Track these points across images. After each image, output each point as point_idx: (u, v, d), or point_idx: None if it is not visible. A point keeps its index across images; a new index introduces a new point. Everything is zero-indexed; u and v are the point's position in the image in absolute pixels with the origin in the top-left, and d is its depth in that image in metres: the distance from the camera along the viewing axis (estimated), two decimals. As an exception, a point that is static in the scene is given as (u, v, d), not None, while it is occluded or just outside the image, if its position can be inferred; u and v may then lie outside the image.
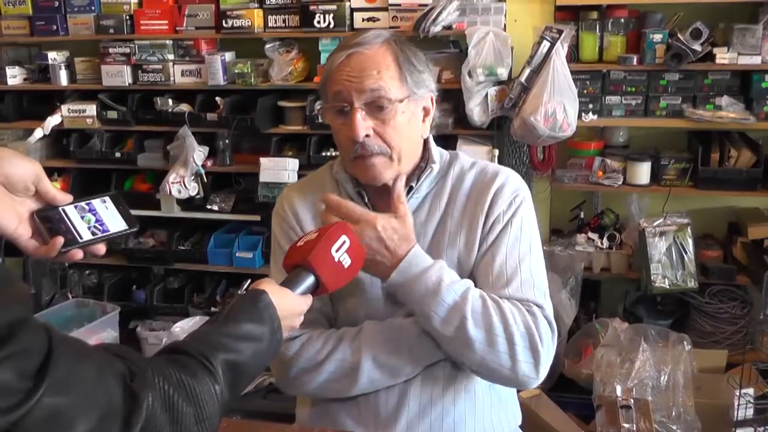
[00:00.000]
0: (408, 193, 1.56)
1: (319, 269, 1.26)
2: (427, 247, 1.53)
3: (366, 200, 1.59)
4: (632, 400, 2.67)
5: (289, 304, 1.21)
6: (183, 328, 3.29)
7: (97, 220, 1.12)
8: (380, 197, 1.57)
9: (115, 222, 1.15)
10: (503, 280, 1.49)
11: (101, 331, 3.36)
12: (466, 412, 1.54)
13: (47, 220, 1.07)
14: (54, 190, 1.07)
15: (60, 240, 1.05)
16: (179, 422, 0.92)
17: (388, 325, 1.51)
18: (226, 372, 1.02)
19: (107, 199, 1.17)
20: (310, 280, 1.26)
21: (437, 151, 1.62)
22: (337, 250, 1.28)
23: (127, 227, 1.16)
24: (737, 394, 2.65)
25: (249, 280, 1.31)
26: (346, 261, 1.30)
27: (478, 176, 1.60)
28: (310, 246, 1.27)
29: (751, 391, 2.68)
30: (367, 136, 1.48)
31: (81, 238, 1.09)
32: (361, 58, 1.48)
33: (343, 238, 1.31)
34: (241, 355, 1.05)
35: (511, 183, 1.58)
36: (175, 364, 0.97)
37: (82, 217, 1.11)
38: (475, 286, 1.47)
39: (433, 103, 1.59)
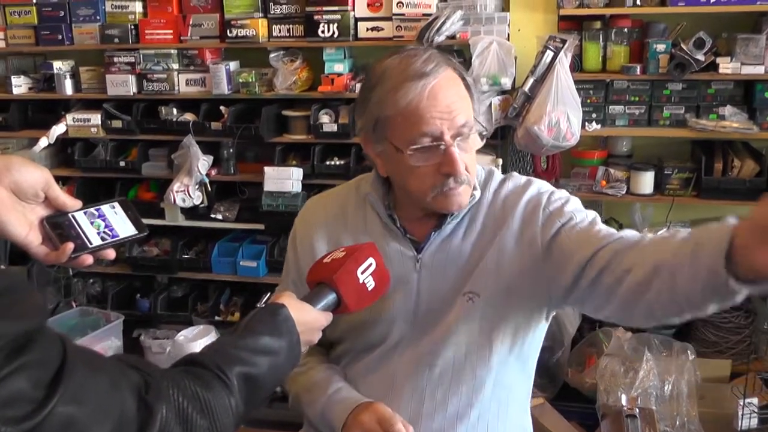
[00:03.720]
0: (450, 216, 1.52)
1: (343, 289, 1.25)
2: (461, 266, 1.50)
3: (397, 224, 1.55)
4: (637, 410, 2.67)
5: (309, 318, 1.20)
6: (187, 336, 3.30)
7: (106, 226, 1.12)
8: (412, 222, 1.55)
9: (124, 227, 1.15)
10: (588, 233, 1.43)
11: (105, 340, 3.39)
12: (478, 421, 1.53)
13: (57, 226, 1.07)
14: (63, 196, 1.08)
15: (70, 246, 1.05)
16: None
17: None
18: (242, 385, 1.02)
19: (116, 204, 1.17)
20: (332, 298, 1.25)
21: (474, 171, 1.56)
22: (363, 272, 1.28)
23: (136, 232, 1.16)
24: (741, 403, 2.66)
25: (269, 293, 1.32)
26: (371, 283, 1.29)
27: (513, 190, 1.55)
28: (336, 264, 1.27)
29: (755, 400, 2.69)
30: None
31: (91, 243, 1.09)
32: (444, 90, 1.40)
33: (370, 260, 1.30)
34: (257, 369, 1.05)
35: (544, 186, 1.56)
36: (190, 375, 0.98)
37: (92, 223, 1.11)
38: (568, 263, 1.42)
39: None
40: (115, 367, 0.90)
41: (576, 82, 3.04)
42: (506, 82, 3.10)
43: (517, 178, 1.59)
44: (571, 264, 1.41)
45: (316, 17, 3.34)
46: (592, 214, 1.50)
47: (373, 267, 1.30)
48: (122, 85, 3.64)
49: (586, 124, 3.17)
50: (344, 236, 1.58)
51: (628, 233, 1.40)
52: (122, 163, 3.75)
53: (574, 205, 1.51)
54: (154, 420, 0.88)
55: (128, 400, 0.87)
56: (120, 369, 0.90)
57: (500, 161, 3.17)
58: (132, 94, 3.66)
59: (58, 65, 3.74)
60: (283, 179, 3.45)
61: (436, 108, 1.38)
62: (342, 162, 3.45)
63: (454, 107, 1.40)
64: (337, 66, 3.41)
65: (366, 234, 1.56)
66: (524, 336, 1.54)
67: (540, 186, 1.56)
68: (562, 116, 2.96)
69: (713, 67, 3.04)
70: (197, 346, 2.57)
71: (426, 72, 1.39)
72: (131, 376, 0.90)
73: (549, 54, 3.02)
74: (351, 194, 1.63)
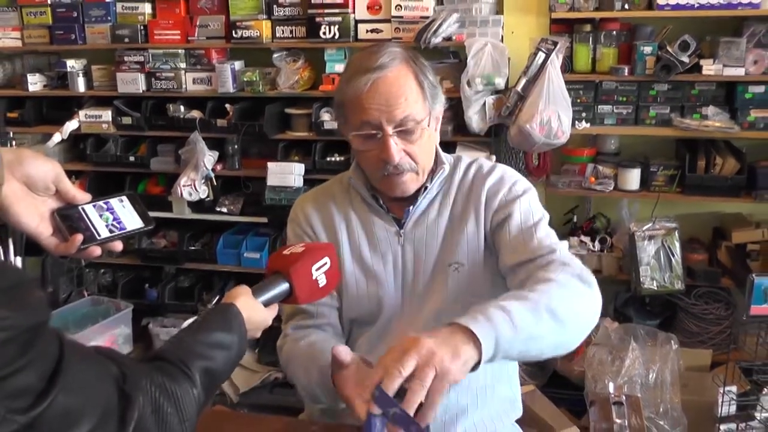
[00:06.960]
0: (423, 191, 1.63)
1: (297, 281, 1.30)
2: (441, 239, 1.61)
3: (380, 203, 1.65)
4: (624, 397, 2.71)
5: (257, 318, 1.24)
6: (192, 325, 3.37)
7: (114, 219, 1.14)
8: (391, 201, 1.65)
9: (131, 220, 1.17)
10: (522, 240, 1.53)
11: (115, 328, 3.44)
12: (468, 404, 1.59)
13: (67, 218, 1.08)
14: (74, 189, 1.09)
15: (79, 237, 1.07)
16: (165, 422, 0.96)
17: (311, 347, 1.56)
18: (203, 377, 1.05)
19: (124, 198, 1.18)
20: (284, 287, 1.30)
21: (443, 154, 1.69)
22: (317, 269, 1.33)
23: (143, 225, 1.18)
24: (721, 391, 2.69)
25: (218, 297, 1.36)
26: (322, 280, 1.34)
27: (478, 170, 1.67)
28: (294, 258, 1.32)
29: (734, 388, 2.72)
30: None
31: (99, 235, 1.11)
32: (386, 85, 1.49)
33: (326, 259, 1.35)
34: (214, 362, 1.09)
35: (508, 173, 1.66)
36: (158, 369, 1.01)
37: (101, 216, 1.13)
38: (499, 259, 1.55)
39: (441, 113, 1.65)
40: (99, 359, 0.93)
41: (567, 82, 3.09)
42: (500, 82, 3.16)
43: (485, 163, 1.70)
44: (501, 262, 1.54)
45: (317, 19, 3.38)
46: (537, 216, 1.59)
47: (327, 266, 1.35)
48: (132, 83, 3.68)
49: (576, 122, 3.22)
50: (336, 218, 1.68)
51: (555, 257, 1.48)
52: (132, 158, 3.80)
53: (528, 200, 1.60)
54: (133, 408, 0.90)
55: (111, 390, 0.90)
56: (102, 362, 0.93)
57: (494, 158, 3.19)
58: (141, 91, 3.70)
59: (71, 64, 3.80)
60: (286, 174, 3.50)
61: (375, 100, 1.49)
62: (342, 158, 3.49)
63: (394, 101, 1.49)
64: (338, 66, 3.45)
65: (353, 213, 1.67)
66: None
67: (504, 171, 1.67)
68: (553, 115, 3.02)
69: (697, 68, 3.09)
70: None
71: (374, 67, 1.49)
72: (111, 368, 0.93)
73: (541, 55, 3.07)
74: (336, 185, 1.74)
